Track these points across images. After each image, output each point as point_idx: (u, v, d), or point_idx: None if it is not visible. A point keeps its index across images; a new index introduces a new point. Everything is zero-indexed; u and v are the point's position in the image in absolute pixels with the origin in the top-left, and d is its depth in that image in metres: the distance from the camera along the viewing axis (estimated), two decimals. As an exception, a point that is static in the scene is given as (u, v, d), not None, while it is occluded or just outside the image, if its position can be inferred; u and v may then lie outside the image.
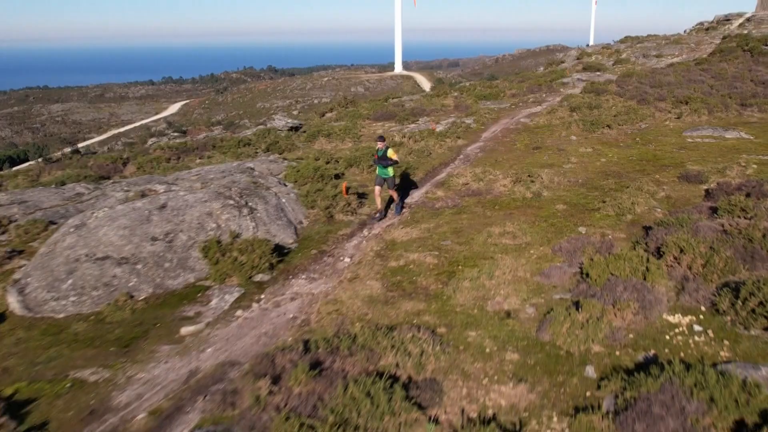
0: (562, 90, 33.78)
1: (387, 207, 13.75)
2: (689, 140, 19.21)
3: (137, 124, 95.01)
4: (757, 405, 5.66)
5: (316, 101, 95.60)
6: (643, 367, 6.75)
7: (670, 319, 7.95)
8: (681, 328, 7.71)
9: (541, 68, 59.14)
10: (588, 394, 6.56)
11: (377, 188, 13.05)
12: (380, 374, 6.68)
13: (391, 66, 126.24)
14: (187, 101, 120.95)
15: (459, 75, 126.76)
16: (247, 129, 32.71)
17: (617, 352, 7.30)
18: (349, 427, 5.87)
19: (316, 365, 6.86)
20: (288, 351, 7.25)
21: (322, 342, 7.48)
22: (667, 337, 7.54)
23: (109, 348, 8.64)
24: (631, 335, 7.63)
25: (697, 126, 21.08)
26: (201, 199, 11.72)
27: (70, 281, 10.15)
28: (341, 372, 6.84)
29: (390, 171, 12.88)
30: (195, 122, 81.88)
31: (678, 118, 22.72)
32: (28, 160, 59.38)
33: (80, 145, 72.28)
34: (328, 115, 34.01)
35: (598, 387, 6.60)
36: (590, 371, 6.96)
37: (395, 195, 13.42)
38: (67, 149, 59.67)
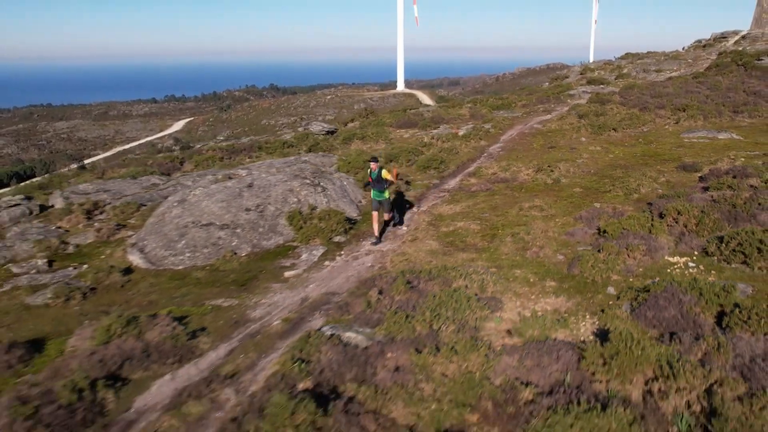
0: (569, 101, 36.36)
1: (382, 232, 13.15)
2: (686, 140, 21.67)
3: (142, 141, 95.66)
4: (732, 299, 8.02)
5: (320, 118, 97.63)
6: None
7: (671, 259, 10.30)
8: (679, 265, 10.06)
9: (546, 84, 61.89)
10: (611, 303, 8.89)
11: (375, 213, 12.75)
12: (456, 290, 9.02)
13: (392, 84, 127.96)
14: (191, 119, 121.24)
15: (460, 93, 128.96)
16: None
17: (631, 279, 9.64)
18: (441, 317, 8.20)
19: (408, 283, 9.22)
20: (383, 276, 9.62)
21: (408, 272, 9.85)
22: (669, 270, 9.88)
23: (229, 287, 11.00)
24: (640, 269, 9.98)
25: (693, 129, 23.54)
26: (282, 180, 14.15)
27: (183, 242, 12.54)
28: (427, 289, 9.20)
29: (386, 193, 12.70)
30: (200, 139, 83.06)
31: (676, 123, 25.21)
32: (35, 176, 59.62)
33: (86, 161, 73.03)
34: (351, 125, 36.54)
35: (618, 298, 8.95)
36: (611, 290, 9.30)
37: (389, 217, 13.09)
38: (74, 165, 60.97)
